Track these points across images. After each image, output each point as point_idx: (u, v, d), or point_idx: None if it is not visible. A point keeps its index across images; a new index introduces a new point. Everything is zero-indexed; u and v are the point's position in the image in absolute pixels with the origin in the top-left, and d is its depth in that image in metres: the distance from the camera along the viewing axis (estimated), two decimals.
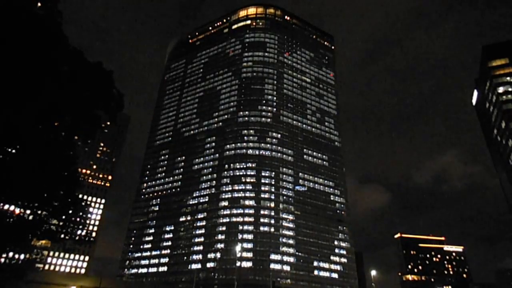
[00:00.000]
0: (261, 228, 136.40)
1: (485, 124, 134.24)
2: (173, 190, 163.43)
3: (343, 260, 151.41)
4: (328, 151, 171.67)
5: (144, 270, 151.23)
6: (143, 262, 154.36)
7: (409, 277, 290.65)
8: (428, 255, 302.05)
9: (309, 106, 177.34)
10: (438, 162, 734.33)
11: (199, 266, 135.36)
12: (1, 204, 21.70)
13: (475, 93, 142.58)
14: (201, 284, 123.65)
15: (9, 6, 17.42)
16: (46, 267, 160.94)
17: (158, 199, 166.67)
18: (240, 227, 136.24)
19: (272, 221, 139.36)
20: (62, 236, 24.84)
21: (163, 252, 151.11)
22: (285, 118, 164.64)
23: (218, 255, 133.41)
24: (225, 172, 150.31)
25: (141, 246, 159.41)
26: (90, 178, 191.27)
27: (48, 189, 22.18)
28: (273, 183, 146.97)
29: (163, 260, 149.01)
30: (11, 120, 18.41)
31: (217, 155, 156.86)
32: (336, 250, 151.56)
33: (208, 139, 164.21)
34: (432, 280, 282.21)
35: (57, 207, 23.22)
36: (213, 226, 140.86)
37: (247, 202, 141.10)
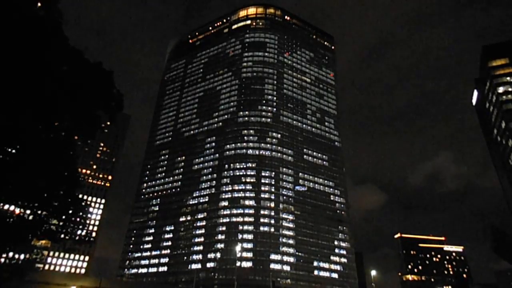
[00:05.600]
0: (261, 228, 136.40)
1: (485, 124, 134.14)
2: (173, 190, 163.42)
3: (343, 260, 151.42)
4: (328, 151, 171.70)
5: (144, 270, 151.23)
6: (143, 262, 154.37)
7: (409, 277, 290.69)
8: (428, 255, 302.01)
9: (309, 106, 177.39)
10: (434, 162, 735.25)
11: (199, 266, 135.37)
12: (1, 204, 21.69)
13: (475, 93, 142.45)
14: (201, 284, 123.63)
15: (8, 6, 17.42)
16: (46, 267, 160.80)
17: (158, 199, 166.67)
18: (240, 227, 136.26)
19: (272, 221, 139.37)
20: (62, 236, 24.81)
21: (163, 252, 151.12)
22: (285, 118, 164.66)
23: (218, 255, 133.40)
24: (225, 172, 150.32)
25: (141, 246, 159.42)
26: (90, 178, 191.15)
27: (48, 189, 22.15)
28: (273, 183, 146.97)
29: (163, 260, 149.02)
30: (11, 120, 18.40)
31: (217, 155, 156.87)
32: (336, 250, 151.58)
33: (208, 139, 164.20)
34: (432, 280, 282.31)
35: (57, 207, 23.19)
36: (213, 226, 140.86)
37: (247, 202, 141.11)
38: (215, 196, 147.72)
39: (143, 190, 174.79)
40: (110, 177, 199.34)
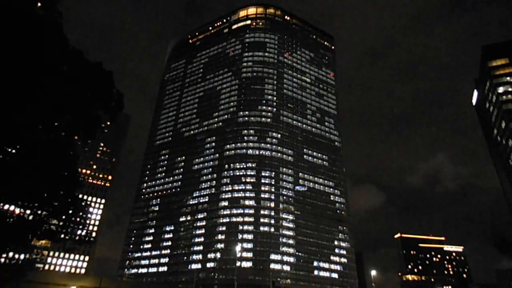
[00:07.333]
0: (261, 228, 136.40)
1: (485, 124, 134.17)
2: (173, 190, 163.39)
3: (343, 260, 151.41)
4: (328, 151, 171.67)
5: (144, 270, 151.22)
6: (143, 262, 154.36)
7: (409, 277, 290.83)
8: (428, 255, 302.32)
9: (309, 106, 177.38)
10: (434, 162, 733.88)
11: (199, 266, 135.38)
12: (1, 204, 21.70)
13: (475, 93, 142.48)
14: (201, 284, 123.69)
15: (9, 6, 17.42)
16: (46, 267, 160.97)
17: (158, 199, 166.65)
18: (240, 227, 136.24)
19: (272, 221, 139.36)
20: (62, 236, 24.86)
21: (163, 252, 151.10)
22: (285, 118, 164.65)
23: (218, 255, 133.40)
24: (225, 172, 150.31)
25: (141, 246, 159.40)
26: (90, 178, 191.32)
27: (48, 189, 22.18)
28: (273, 183, 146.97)
29: (163, 260, 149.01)
30: (11, 120, 18.41)
31: (217, 155, 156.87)
32: (336, 250, 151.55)
33: (208, 139, 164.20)
34: (432, 280, 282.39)
35: (57, 207, 23.23)
36: (213, 226, 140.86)
37: (247, 202, 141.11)
38: (215, 196, 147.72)
39: (143, 190, 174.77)
40: (110, 177, 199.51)
